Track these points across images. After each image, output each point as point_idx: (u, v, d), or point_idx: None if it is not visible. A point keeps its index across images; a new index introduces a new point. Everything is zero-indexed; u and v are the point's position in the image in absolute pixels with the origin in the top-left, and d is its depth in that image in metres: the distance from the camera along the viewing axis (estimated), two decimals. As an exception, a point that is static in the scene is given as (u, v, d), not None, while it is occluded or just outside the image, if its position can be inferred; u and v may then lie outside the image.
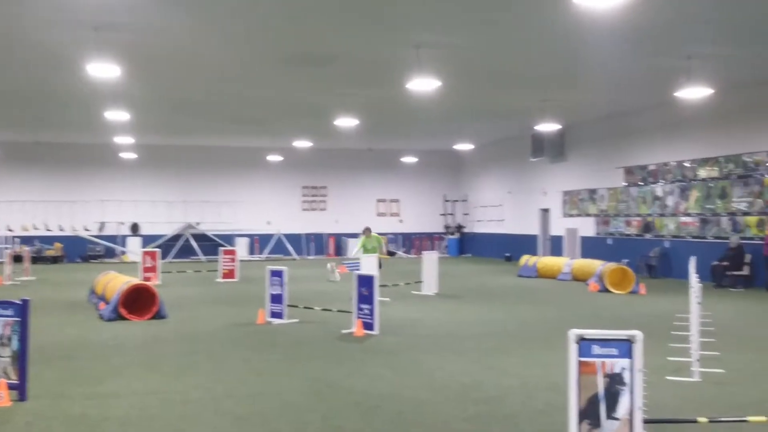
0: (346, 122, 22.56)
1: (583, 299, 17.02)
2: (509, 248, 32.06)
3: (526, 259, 24.03)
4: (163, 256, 26.50)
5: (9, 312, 7.59)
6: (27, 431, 6.56)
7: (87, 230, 32.57)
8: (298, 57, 15.69)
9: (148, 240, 31.79)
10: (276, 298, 13.18)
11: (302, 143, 31.13)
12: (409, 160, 35.82)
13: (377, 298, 11.95)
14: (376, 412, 7.07)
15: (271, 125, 26.60)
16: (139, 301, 13.70)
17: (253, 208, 34.93)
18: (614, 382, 5.56)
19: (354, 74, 17.51)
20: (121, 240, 32.74)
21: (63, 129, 27.69)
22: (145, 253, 21.39)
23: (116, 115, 22.06)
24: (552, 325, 12.68)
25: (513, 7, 12.28)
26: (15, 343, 7.55)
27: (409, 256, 35.53)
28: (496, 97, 21.23)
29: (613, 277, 18.59)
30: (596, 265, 20.00)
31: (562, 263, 22.42)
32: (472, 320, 13.53)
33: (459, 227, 37.58)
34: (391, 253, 35.82)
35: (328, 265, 23.23)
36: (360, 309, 11.94)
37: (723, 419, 6.48)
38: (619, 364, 5.58)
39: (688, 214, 21.82)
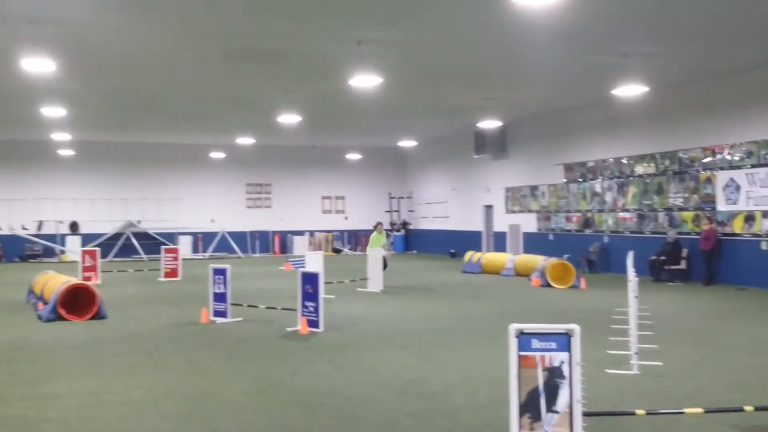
0: (290, 119, 22.44)
1: (525, 294, 17.27)
2: (454, 244, 32.34)
3: (470, 255, 24.26)
4: (104, 255, 26.00)
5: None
6: (-41, 437, 6.37)
7: (25, 229, 31.70)
8: (240, 52, 15.53)
9: (87, 239, 31.08)
10: (219, 297, 13.04)
11: (245, 140, 30.85)
12: (354, 157, 35.82)
13: (322, 295, 11.94)
14: (321, 410, 7.06)
15: (213, 121, 26.29)
16: (78, 301, 13.42)
17: (197, 206, 34.48)
18: (554, 375, 5.65)
19: (297, 70, 17.41)
20: (60, 239, 31.94)
21: (-3, 125, 26.91)
22: (85, 252, 20.96)
23: (53, 110, 21.54)
24: (495, 320, 12.84)
25: (454, 5, 12.37)
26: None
27: (355, 253, 35.54)
28: (438, 94, 21.37)
29: (555, 272, 18.91)
30: (538, 260, 20.32)
31: (506, 259, 22.71)
32: (417, 316, 13.61)
33: (404, 224, 37.74)
34: (336, 251, 35.79)
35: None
36: (305, 307, 11.89)
37: (660, 411, 6.64)
38: (558, 358, 5.67)
39: (626, 210, 22.32)
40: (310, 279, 11.95)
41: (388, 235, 19.19)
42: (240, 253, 33.66)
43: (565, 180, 25.15)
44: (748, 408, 6.38)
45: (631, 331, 8.74)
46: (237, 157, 34.59)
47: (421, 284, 19.87)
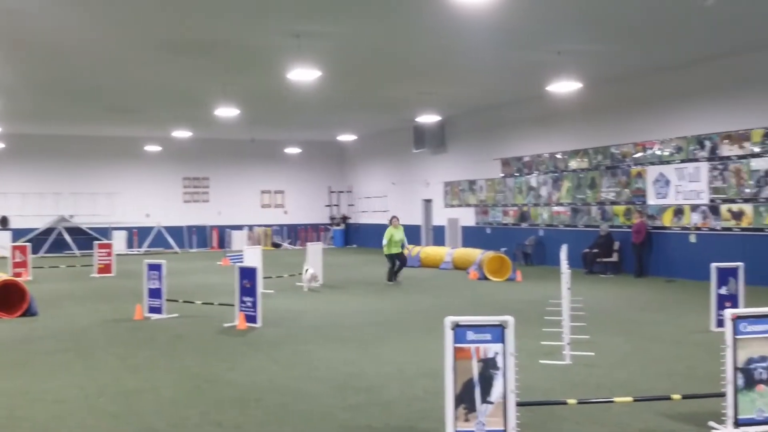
0: (228, 112, 22.16)
1: (463, 287, 17.47)
2: (393, 238, 32.41)
3: (409, 249, 24.37)
4: (35, 251, 25.26)
5: None
6: None
7: (-50, 224, 30.64)
8: (176, 44, 15.27)
9: (18, 234, 30.14)
10: (154, 293, 12.84)
11: (182, 133, 30.35)
12: (293, 150, 35.61)
13: (260, 290, 11.87)
14: (257, 405, 7.03)
15: (149, 114, 25.80)
16: (8, 298, 13.04)
17: (132, 201, 33.81)
18: (488, 366, 5.76)
19: (234, 63, 17.22)
20: (-13, 234, 30.96)
21: None
22: (15, 247, 20.41)
23: (-21, 102, 20.84)
24: (432, 313, 12.95)
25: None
26: None
27: (295, 247, 35.37)
28: (377, 89, 21.40)
29: (492, 265, 19.18)
30: (476, 253, 20.58)
31: (444, 252, 22.94)
32: (356, 310, 13.64)
33: (344, 218, 37.72)
34: (276, 245, 35.56)
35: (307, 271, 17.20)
36: (242, 302, 11.80)
37: (591, 400, 6.82)
38: (492, 349, 5.77)
39: (561, 204, 22.77)
40: (247, 274, 11.85)
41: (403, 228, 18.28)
42: (177, 248, 33.13)
43: (502, 174, 25.50)
44: (676, 396, 6.60)
45: (564, 323, 8.94)
46: (173, 151, 34.02)
47: (360, 278, 19.91)
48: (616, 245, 20.15)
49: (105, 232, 31.95)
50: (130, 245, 33.13)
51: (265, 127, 30.45)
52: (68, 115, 26.09)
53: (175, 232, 33.93)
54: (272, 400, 7.23)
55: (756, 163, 16.61)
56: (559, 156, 22.79)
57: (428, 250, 23.99)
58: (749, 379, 5.97)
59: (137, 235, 33.53)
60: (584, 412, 6.54)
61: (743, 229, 16.96)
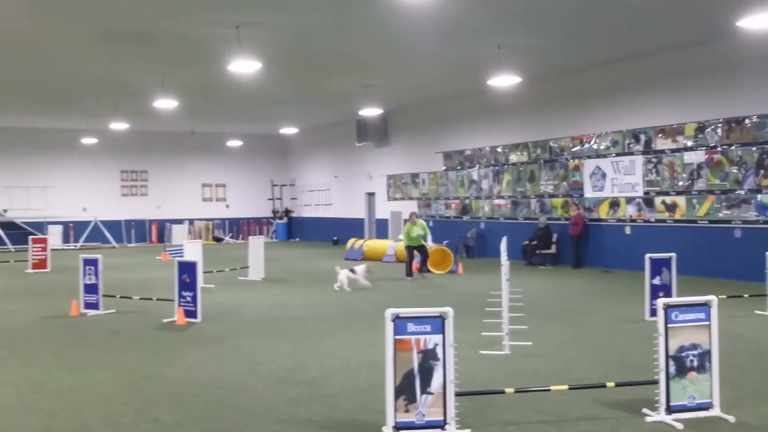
0: (166, 104, 21.77)
1: (404, 280, 17.52)
2: (337, 232, 32.43)
3: (352, 243, 24.41)
4: (-36, 247, 24.51)
5: None
6: None
7: None
8: (113, 34, 14.92)
9: (-54, 229, 29.20)
10: (90, 288, 12.57)
11: (120, 125, 29.64)
12: (235, 143, 35.21)
13: (200, 285, 11.72)
14: (196, 401, 6.94)
15: (85, 106, 25.16)
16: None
17: (68, 194, 32.99)
18: (428, 357, 5.81)
19: (173, 54, 16.93)
20: None
21: None
22: (-57, 243, 19.72)
23: None
24: (375, 305, 12.98)
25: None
26: None
27: (237, 241, 35.02)
28: (319, 82, 21.30)
29: (434, 258, 19.30)
30: (418, 246, 20.65)
31: (387, 246, 23.00)
32: (298, 304, 13.59)
33: (287, 212, 37.49)
34: (217, 239, 35.16)
35: (339, 271, 15.85)
36: (182, 297, 11.64)
37: (529, 389, 6.93)
38: (432, 340, 5.83)
39: (501, 197, 23.06)
40: (187, 268, 11.69)
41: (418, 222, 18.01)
42: (114, 243, 32.46)
43: (445, 168, 25.69)
44: (610, 384, 6.75)
45: (504, 314, 9.07)
46: (111, 143, 33.26)
47: (303, 272, 19.83)
48: (555, 237, 20.52)
49: (40, 226, 31.14)
50: (66, 240, 32.37)
51: (206, 119, 30.03)
52: (1, 106, 25.28)
53: (113, 226, 33.23)
54: (211, 395, 7.15)
55: (689, 157, 17.09)
56: (499, 150, 23.06)
57: (371, 243, 24.03)
58: (681, 366, 6.14)
59: (73, 229, 32.74)
60: (522, 401, 6.64)
61: (676, 221, 17.45)
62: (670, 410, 6.09)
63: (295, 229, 37.16)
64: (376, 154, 29.84)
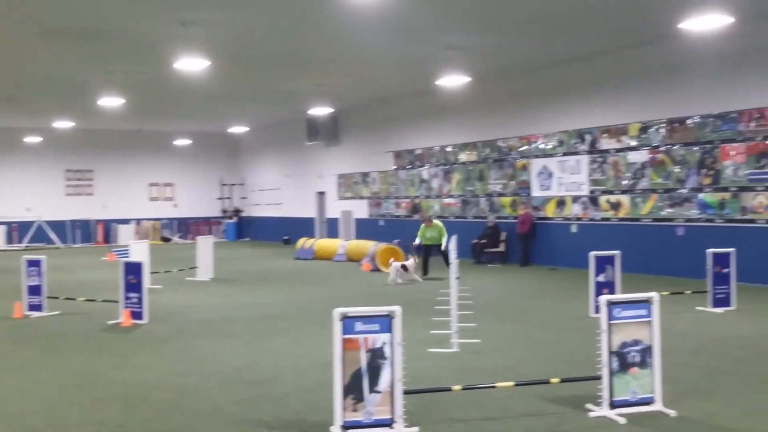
0: (112, 102, 21.42)
1: (355, 279, 17.58)
2: (287, 231, 32.27)
3: (303, 242, 24.33)
4: None
5: None
6: None
7: None
8: (56, 30, 14.61)
9: None
10: (34, 290, 12.30)
11: (64, 123, 29.12)
12: (183, 142, 34.77)
13: (146, 285, 11.57)
14: (142, 403, 6.86)
15: (27, 104, 24.57)
16: None
17: (10, 194, 32.15)
18: (376, 356, 5.84)
19: (118, 51, 16.63)
20: None
21: None
22: None
23: None
24: (326, 305, 12.93)
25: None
26: None
27: (185, 241, 34.59)
28: (268, 80, 21.17)
29: (385, 257, 19.35)
30: (369, 245, 20.74)
31: (338, 245, 22.98)
32: (247, 304, 13.50)
33: (237, 211, 37.16)
34: (165, 239, 34.68)
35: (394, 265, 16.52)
36: (128, 298, 11.46)
37: (475, 386, 7.01)
38: (380, 339, 5.86)
39: (451, 196, 23.24)
40: (133, 269, 11.53)
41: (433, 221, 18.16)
42: (59, 243, 31.77)
43: (395, 167, 25.78)
44: (554, 380, 6.87)
45: (452, 312, 9.15)
46: (55, 142, 32.55)
47: (253, 271, 19.70)
48: (503, 236, 20.75)
49: (-19, 227, 30.33)
50: (9, 240, 31.59)
51: (153, 117, 29.60)
52: (-62, 103, 24.58)
53: (58, 226, 32.51)
54: (158, 397, 7.08)
55: (632, 156, 17.46)
56: (449, 149, 23.23)
57: (322, 243, 23.98)
58: (623, 362, 6.29)
59: (17, 230, 31.94)
60: (469, 398, 6.72)
61: (621, 219, 17.81)
62: (613, 405, 6.23)
63: (245, 228, 36.85)
64: (326, 153, 29.79)
